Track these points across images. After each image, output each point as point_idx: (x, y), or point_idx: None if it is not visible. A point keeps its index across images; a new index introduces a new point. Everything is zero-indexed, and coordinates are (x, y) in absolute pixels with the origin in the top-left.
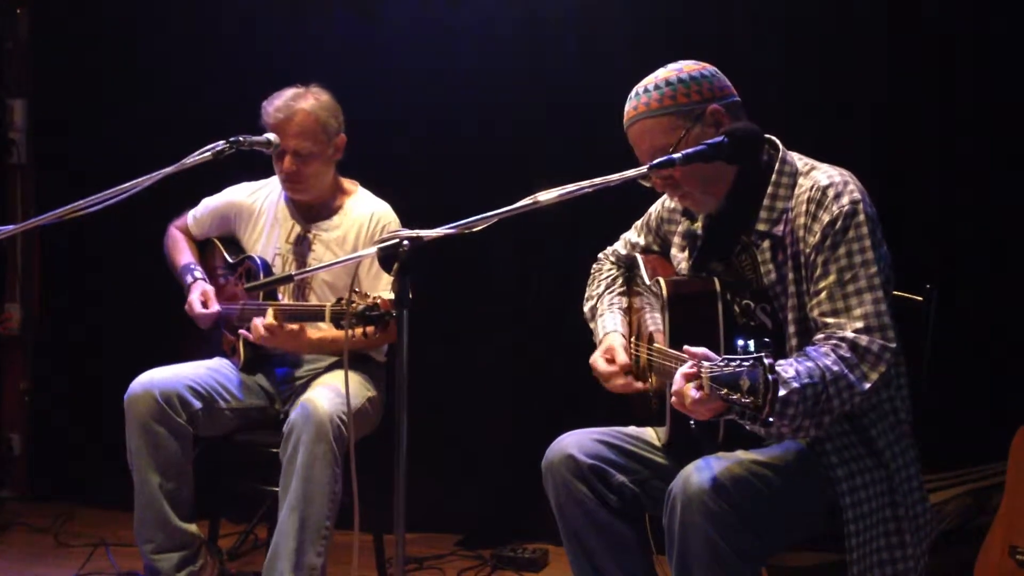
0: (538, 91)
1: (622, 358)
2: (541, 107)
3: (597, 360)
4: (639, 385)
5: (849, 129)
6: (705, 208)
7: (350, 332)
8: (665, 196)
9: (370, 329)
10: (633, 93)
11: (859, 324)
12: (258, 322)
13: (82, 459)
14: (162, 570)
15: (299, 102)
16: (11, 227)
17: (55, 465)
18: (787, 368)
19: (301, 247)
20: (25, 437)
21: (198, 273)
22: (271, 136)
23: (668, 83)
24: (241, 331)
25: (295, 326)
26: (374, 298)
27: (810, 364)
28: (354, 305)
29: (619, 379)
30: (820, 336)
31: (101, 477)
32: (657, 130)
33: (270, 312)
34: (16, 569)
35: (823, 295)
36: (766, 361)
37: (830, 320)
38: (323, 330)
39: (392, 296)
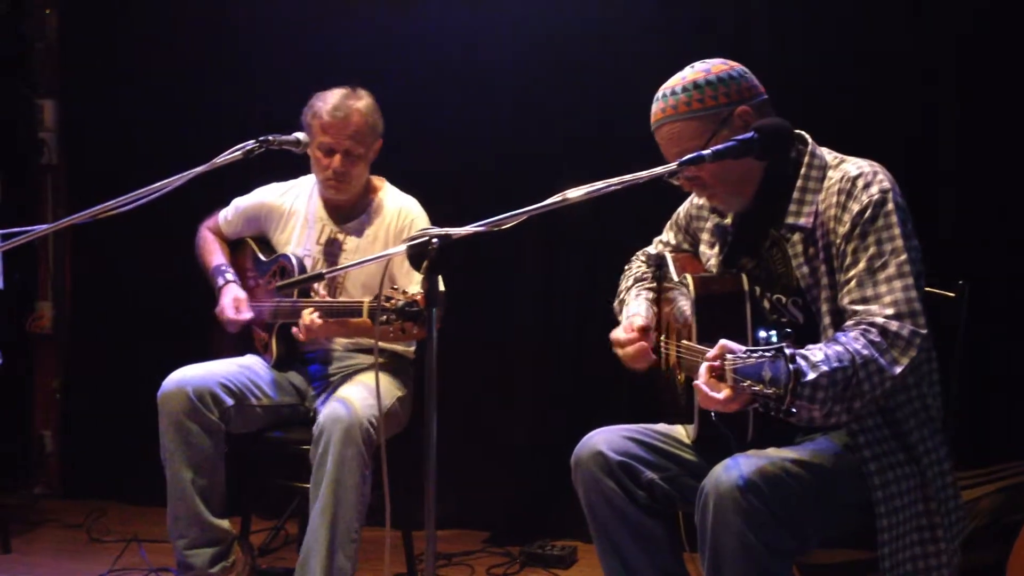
0: (566, 89)
1: (639, 321)
2: (569, 105)
3: (616, 332)
4: (651, 357)
5: (880, 124)
6: (733, 207)
7: (388, 329)
8: (694, 194)
9: (408, 325)
10: (660, 94)
11: (889, 311)
12: (304, 321)
13: (114, 456)
14: (195, 566)
15: (354, 102)
16: (44, 226)
17: (87, 462)
18: (815, 352)
19: (332, 248)
20: (57, 435)
21: (229, 275)
22: (300, 136)
23: (696, 85)
24: (293, 330)
25: (339, 320)
26: (413, 294)
27: (839, 348)
28: (393, 301)
29: (632, 347)
30: (850, 323)
31: (133, 474)
32: (685, 133)
33: (314, 317)
34: (50, 565)
35: (853, 283)
36: (787, 351)
37: (859, 307)
38: (364, 321)
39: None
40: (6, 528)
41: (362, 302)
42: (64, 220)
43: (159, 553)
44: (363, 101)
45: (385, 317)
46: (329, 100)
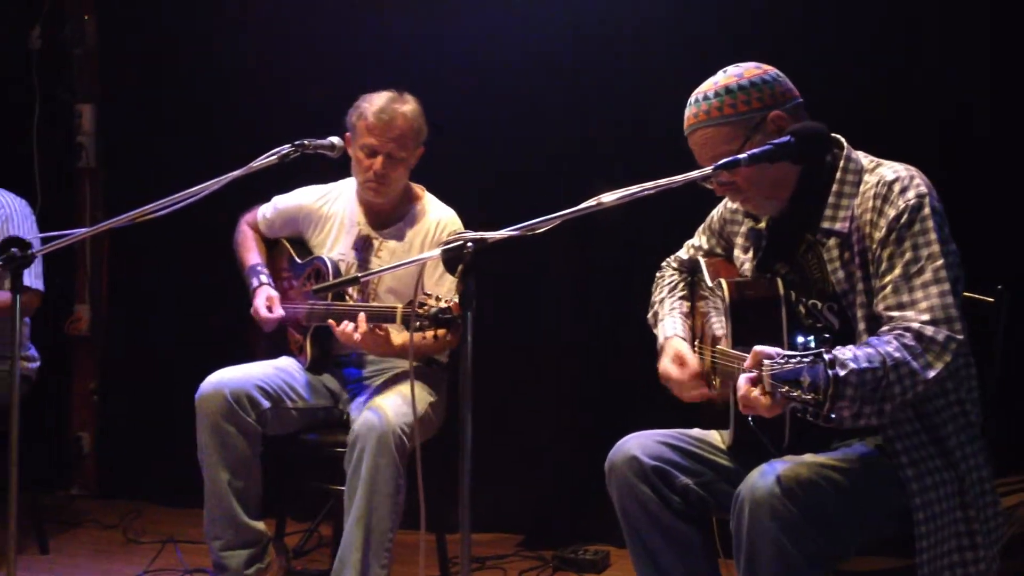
0: (599, 93)
1: (693, 362)
2: (603, 109)
3: (668, 367)
4: (710, 392)
5: (917, 128)
6: (767, 211)
7: (421, 335)
8: (728, 198)
9: (441, 332)
10: (693, 99)
11: (925, 316)
12: (349, 328)
13: (150, 458)
14: (230, 567)
15: (400, 106)
16: (83, 230)
17: (124, 463)
18: (845, 352)
19: (367, 253)
20: (94, 436)
21: (264, 277)
22: (335, 140)
23: (728, 91)
24: (337, 328)
25: (382, 331)
26: (446, 301)
27: (870, 350)
28: (426, 308)
29: (694, 388)
30: (885, 328)
31: (168, 475)
32: (718, 139)
33: (362, 317)
34: (87, 565)
35: (888, 289)
36: (826, 356)
37: (895, 313)
38: (404, 336)
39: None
40: (43, 529)
41: (395, 308)
42: (103, 224)
43: (195, 554)
44: (409, 106)
45: (418, 323)
46: (375, 102)
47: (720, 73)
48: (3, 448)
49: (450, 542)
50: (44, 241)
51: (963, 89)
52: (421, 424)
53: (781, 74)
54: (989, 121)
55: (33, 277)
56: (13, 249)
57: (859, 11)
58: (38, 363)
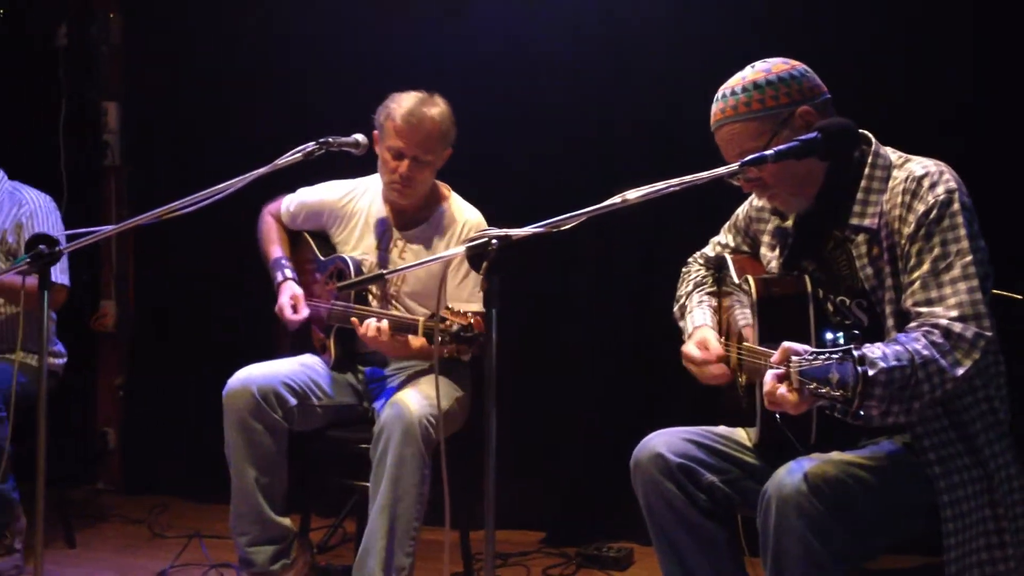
0: (624, 88)
1: (715, 347)
2: (626, 105)
3: (690, 348)
4: (730, 374)
5: (945, 124)
6: (794, 208)
7: (443, 350)
8: (754, 195)
9: (462, 348)
10: (720, 94)
11: (954, 312)
12: (372, 331)
13: (175, 453)
14: (256, 562)
15: (429, 109)
16: (110, 227)
17: (149, 459)
18: (874, 350)
19: (391, 254)
20: (120, 431)
21: (288, 272)
22: (359, 137)
23: (756, 86)
24: (360, 330)
25: (402, 337)
26: (468, 316)
27: (898, 348)
28: (447, 323)
29: (714, 367)
30: (913, 324)
31: (193, 471)
32: (745, 134)
33: (385, 325)
34: (113, 559)
35: (917, 285)
36: (855, 353)
37: (923, 309)
38: (422, 339)
39: (483, 309)
40: (70, 523)
41: (418, 320)
42: (130, 221)
43: (220, 549)
44: (438, 108)
45: (440, 338)
46: (404, 104)
47: (748, 68)
48: (31, 443)
49: (473, 539)
50: (70, 238)
51: (992, 84)
52: (445, 419)
53: (809, 70)
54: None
55: (59, 273)
56: (41, 246)
57: (888, 10)
58: (65, 359)
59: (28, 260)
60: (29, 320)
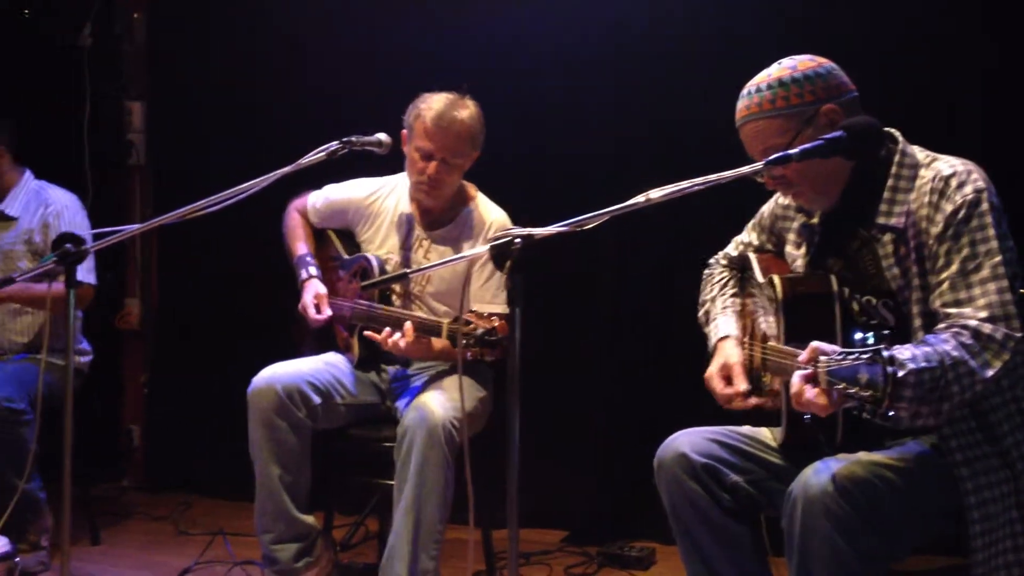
0: (646, 88)
1: (742, 386)
2: (647, 106)
3: (713, 379)
4: (754, 402)
5: (972, 122)
6: (819, 206)
7: (467, 353)
8: (779, 193)
9: (487, 351)
10: (745, 91)
11: (983, 313)
12: (395, 338)
13: (199, 450)
14: (280, 560)
15: (459, 112)
16: (136, 226)
17: (173, 456)
18: (903, 351)
19: (415, 254)
20: (144, 429)
21: (313, 269)
22: (382, 136)
23: (781, 83)
24: (380, 339)
25: (425, 338)
26: (492, 320)
27: (928, 349)
28: (471, 327)
29: (737, 402)
30: (942, 325)
31: (217, 468)
32: (768, 131)
33: (409, 327)
34: (138, 556)
35: (945, 285)
36: (885, 354)
37: (952, 310)
38: (445, 342)
39: (506, 310)
40: (95, 520)
41: (441, 322)
42: (155, 220)
43: (244, 546)
44: (468, 111)
45: (464, 341)
46: (434, 105)
47: (774, 65)
48: (57, 441)
49: (495, 538)
50: (96, 237)
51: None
52: (468, 419)
53: (836, 67)
54: None
55: (85, 272)
56: (67, 245)
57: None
58: (90, 357)
59: (55, 259)
60: (55, 319)
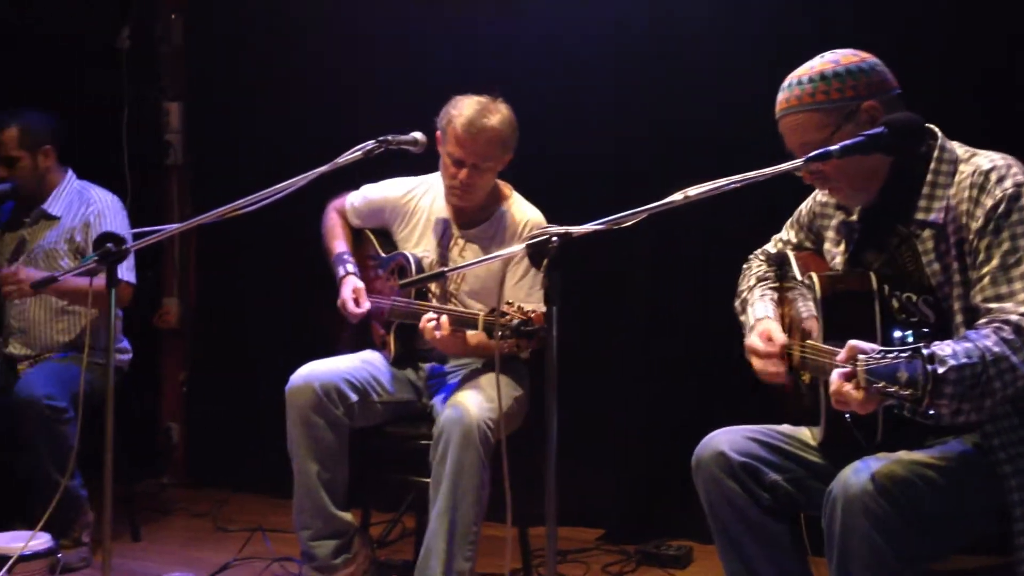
0: (682, 83)
1: (780, 337)
2: (685, 101)
3: (753, 339)
4: (789, 378)
5: (1011, 117)
6: (856, 202)
7: (505, 346)
8: (817, 191)
9: (523, 342)
10: (787, 83)
11: None
12: (432, 323)
13: (238, 447)
14: (319, 556)
15: (490, 117)
16: (176, 225)
17: (212, 453)
18: (943, 347)
19: (451, 252)
20: (183, 426)
21: (351, 266)
22: (418, 135)
23: (822, 77)
24: (423, 325)
25: (461, 332)
26: (529, 312)
27: (968, 345)
28: (507, 318)
29: (773, 364)
30: (983, 321)
31: (256, 465)
32: (807, 125)
33: (445, 319)
34: (177, 552)
35: (986, 280)
36: (925, 352)
37: (993, 305)
38: (481, 336)
39: (544, 309)
40: (135, 517)
41: (477, 314)
42: (195, 219)
43: (282, 543)
44: (499, 116)
45: (500, 333)
46: (465, 112)
47: (817, 58)
48: (98, 438)
49: (531, 535)
50: (136, 236)
51: None
52: (506, 417)
53: (880, 63)
54: None
55: (125, 271)
56: (108, 244)
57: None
58: (130, 355)
59: (96, 258)
60: (96, 319)
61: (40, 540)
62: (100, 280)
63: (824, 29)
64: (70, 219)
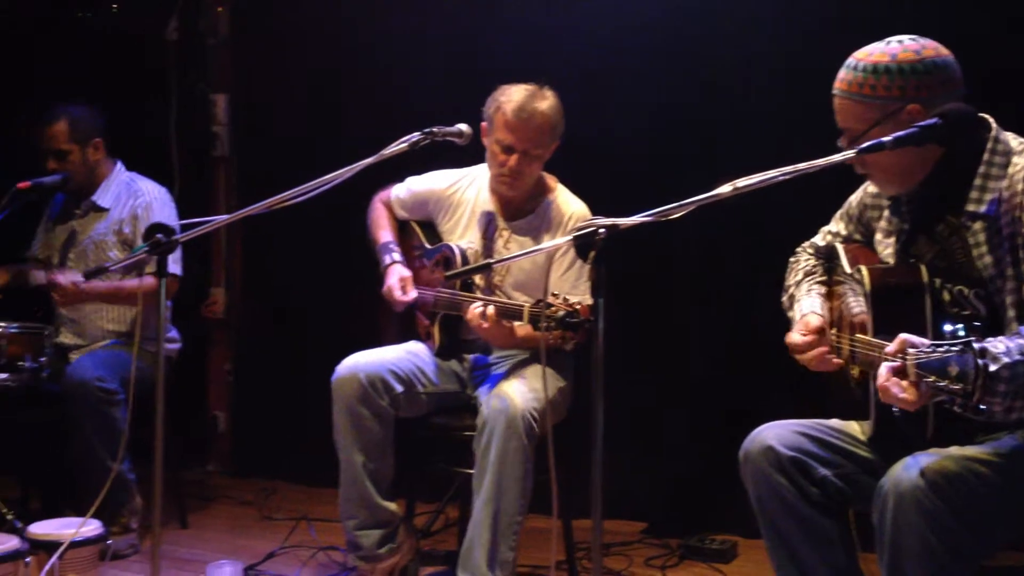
0: (736, 74)
1: (815, 321)
2: (733, 95)
3: (793, 335)
4: (836, 361)
5: None
6: (894, 190)
7: (550, 337)
8: (867, 183)
9: (568, 334)
10: (850, 62)
11: None
12: (478, 310)
13: (283, 437)
14: (364, 546)
15: (539, 104)
16: (224, 217)
17: (258, 442)
18: (997, 344)
19: (496, 244)
20: (230, 415)
21: (396, 255)
22: (463, 127)
23: (875, 69)
24: (470, 313)
25: (507, 324)
26: (574, 304)
27: (1022, 341)
28: (553, 309)
29: (814, 351)
30: None
31: (300, 455)
32: (849, 113)
33: (491, 309)
34: (224, 540)
35: None
36: (976, 346)
37: None
38: (526, 327)
39: (590, 302)
40: (183, 504)
41: (523, 306)
42: (242, 211)
43: (327, 532)
44: (547, 102)
45: (545, 324)
46: (514, 98)
47: (882, 42)
48: (147, 425)
49: (575, 527)
50: (184, 227)
51: None
52: (550, 408)
53: (950, 63)
54: None
55: (172, 263)
56: (158, 235)
57: None
58: (179, 345)
59: (146, 249)
60: (146, 308)
61: (91, 527)
62: (134, 282)
63: (889, 15)
64: (119, 211)
